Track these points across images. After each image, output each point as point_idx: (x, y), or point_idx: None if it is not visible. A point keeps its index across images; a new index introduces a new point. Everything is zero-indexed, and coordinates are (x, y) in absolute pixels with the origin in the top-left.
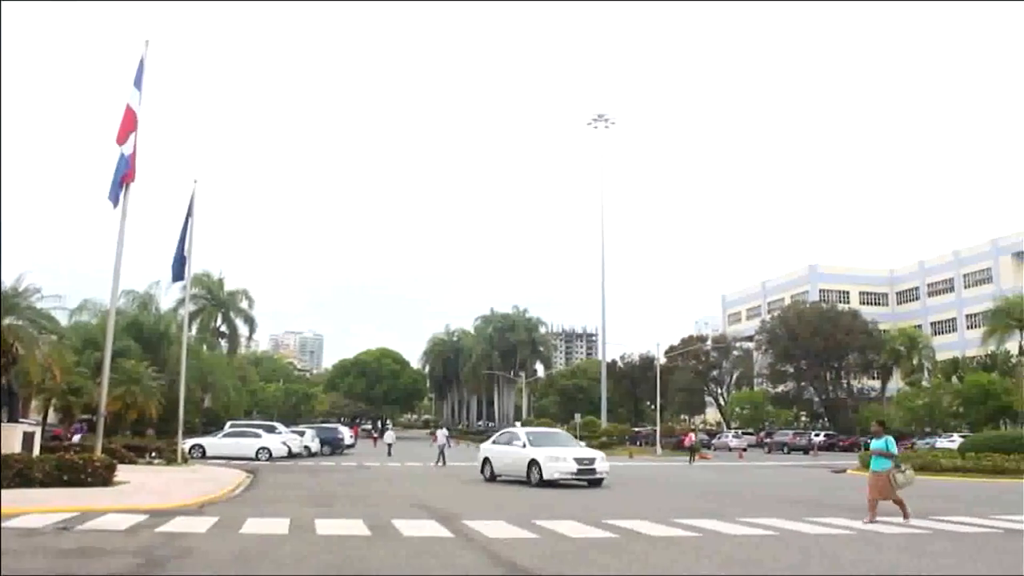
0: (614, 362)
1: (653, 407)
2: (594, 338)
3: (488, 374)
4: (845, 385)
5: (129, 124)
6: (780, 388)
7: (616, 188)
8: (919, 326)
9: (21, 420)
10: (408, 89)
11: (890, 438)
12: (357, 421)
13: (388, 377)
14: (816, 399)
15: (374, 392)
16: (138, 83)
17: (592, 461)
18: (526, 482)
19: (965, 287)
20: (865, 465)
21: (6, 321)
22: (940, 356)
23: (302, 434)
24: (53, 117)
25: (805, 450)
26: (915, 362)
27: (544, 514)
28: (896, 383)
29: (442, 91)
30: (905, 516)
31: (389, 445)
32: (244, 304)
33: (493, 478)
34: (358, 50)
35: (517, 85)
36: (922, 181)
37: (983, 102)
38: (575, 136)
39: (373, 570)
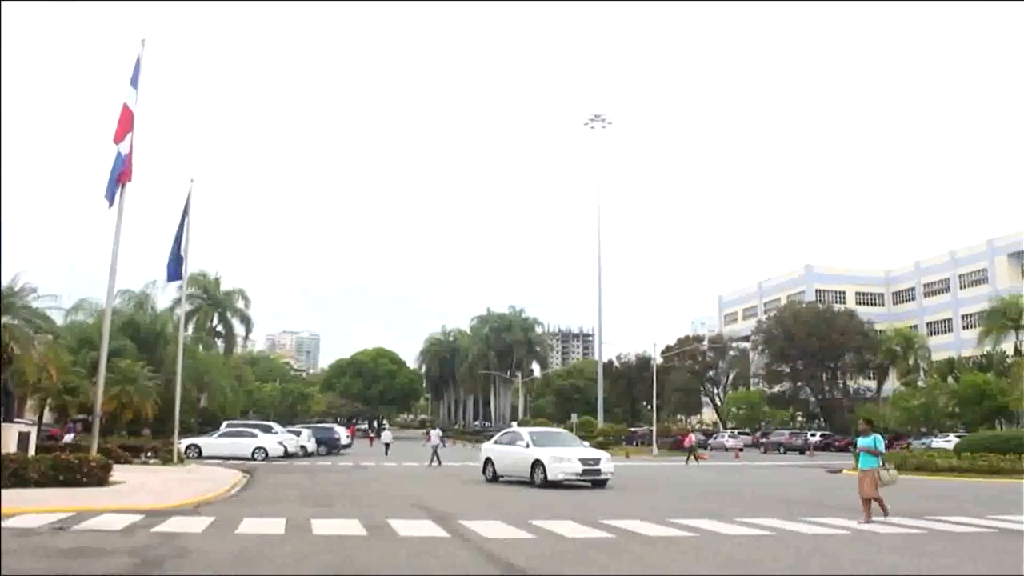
0: (610, 362)
1: (649, 407)
2: (590, 338)
3: (484, 374)
4: (841, 385)
5: (126, 123)
6: (776, 388)
7: (613, 188)
8: (915, 326)
9: (17, 420)
10: (405, 89)
11: (878, 436)
12: (353, 421)
13: (384, 377)
14: (812, 399)
15: (370, 392)
16: (135, 82)
17: (597, 462)
18: (529, 483)
19: (961, 287)
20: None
21: (4, 320)
22: (936, 356)
23: (298, 434)
24: (51, 116)
25: (801, 450)
26: (911, 362)
27: (541, 514)
28: (892, 383)
29: (439, 91)
30: (883, 512)
31: (386, 445)
32: (240, 304)
33: (495, 479)
34: (356, 49)
35: (514, 85)
36: (918, 182)
37: (979, 103)
38: (572, 136)
39: (369, 570)
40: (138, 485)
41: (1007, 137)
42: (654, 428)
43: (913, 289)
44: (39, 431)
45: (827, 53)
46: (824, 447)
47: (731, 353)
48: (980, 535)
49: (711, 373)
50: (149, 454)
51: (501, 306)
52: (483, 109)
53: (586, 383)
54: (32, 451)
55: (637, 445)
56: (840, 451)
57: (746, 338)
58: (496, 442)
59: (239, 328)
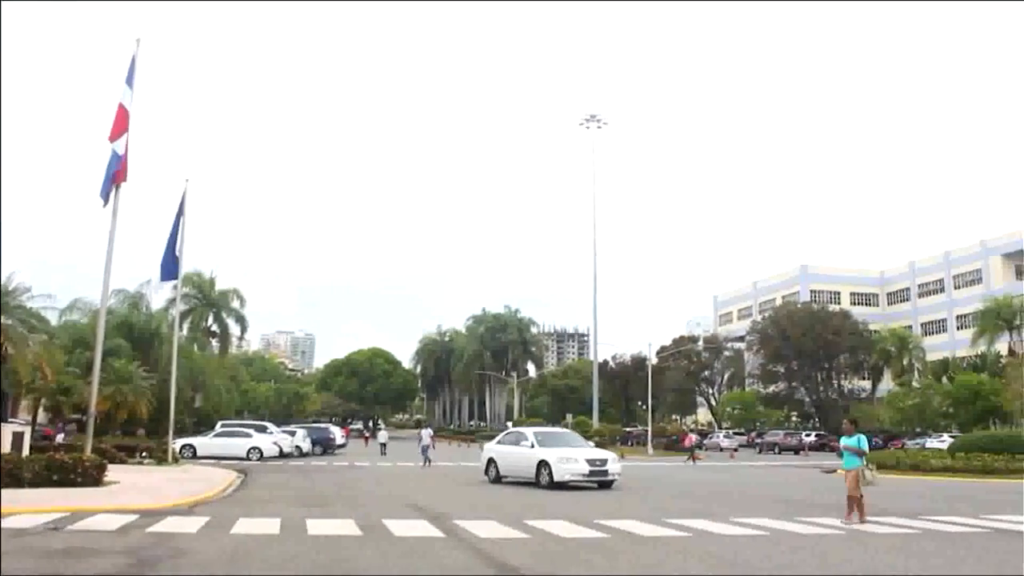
0: (606, 362)
1: (644, 407)
2: (586, 338)
3: (480, 374)
4: (836, 385)
5: (122, 122)
6: (771, 388)
7: (608, 188)
8: (909, 327)
9: (10, 420)
10: (401, 88)
11: (861, 436)
12: (348, 421)
13: (380, 377)
14: (807, 399)
15: (366, 392)
16: (130, 81)
17: (604, 462)
18: (534, 484)
19: (955, 288)
20: None
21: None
22: (930, 357)
23: (293, 434)
24: (49, 114)
25: (796, 450)
26: (905, 363)
27: (536, 514)
28: (886, 383)
29: (435, 90)
30: (859, 516)
31: (383, 445)
32: (235, 304)
33: (498, 479)
34: (351, 49)
35: (510, 85)
36: (913, 182)
37: (974, 104)
38: (567, 136)
39: (364, 570)
40: (132, 485)
41: (1001, 138)
42: (649, 428)
43: (907, 289)
44: (33, 431)
45: (823, 54)
46: (819, 447)
47: (726, 353)
48: (975, 535)
49: (706, 373)
50: (144, 454)
51: (496, 306)
52: (479, 109)
53: (581, 383)
54: (26, 451)
55: (632, 445)
56: (835, 451)
57: (741, 338)
58: (499, 442)
59: (234, 328)
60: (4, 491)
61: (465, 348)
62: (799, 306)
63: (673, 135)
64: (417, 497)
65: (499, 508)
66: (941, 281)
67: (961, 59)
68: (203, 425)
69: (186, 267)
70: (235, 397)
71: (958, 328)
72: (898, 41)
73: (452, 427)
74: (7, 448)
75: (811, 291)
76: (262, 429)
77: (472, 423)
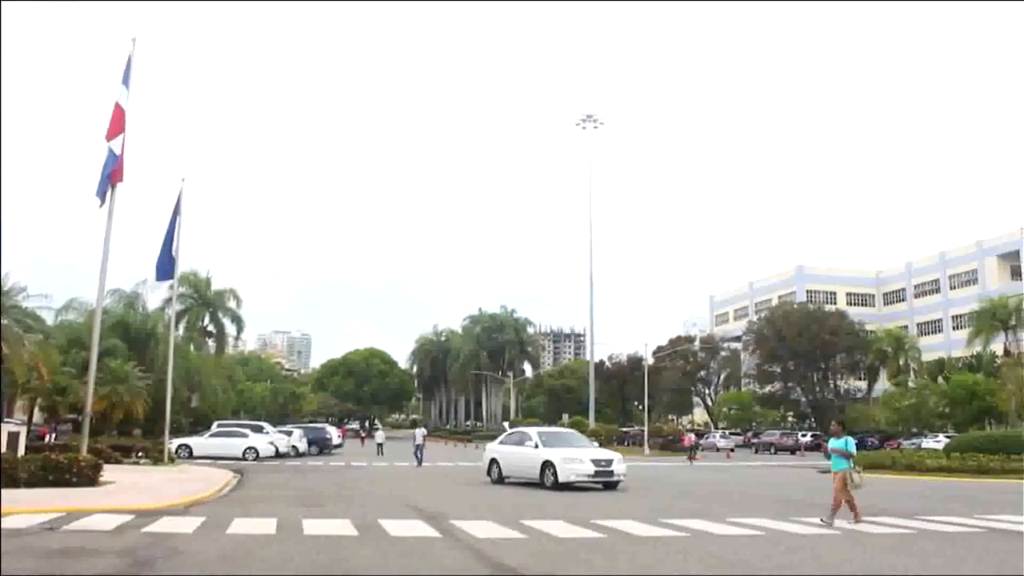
0: (602, 362)
1: (641, 407)
2: (582, 338)
3: (476, 374)
4: (832, 386)
5: (118, 121)
6: (767, 388)
7: (605, 189)
8: (905, 327)
9: (6, 420)
10: (398, 88)
11: (849, 438)
12: (344, 421)
13: (376, 377)
14: (803, 400)
15: (362, 392)
16: (126, 80)
17: (609, 463)
18: (538, 484)
19: (951, 288)
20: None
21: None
22: (926, 357)
23: (289, 434)
24: (49, 114)
25: (792, 450)
26: (901, 363)
27: (532, 514)
28: (883, 384)
29: (432, 90)
30: (854, 516)
31: (380, 445)
32: (232, 303)
33: (501, 480)
34: (348, 49)
35: (507, 85)
36: (909, 183)
37: (970, 104)
38: (564, 136)
39: (360, 570)
40: (128, 485)
41: (997, 139)
42: (646, 428)
43: (903, 290)
44: (29, 431)
45: (819, 54)
46: (815, 447)
47: (722, 353)
48: (972, 535)
49: (702, 373)
50: (139, 454)
51: (493, 306)
52: (476, 109)
53: (578, 383)
54: (22, 451)
55: (629, 445)
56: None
57: (737, 338)
58: (502, 442)
59: (230, 328)
60: (0, 491)
61: (461, 348)
62: (795, 306)
63: (670, 135)
64: (414, 497)
65: (496, 508)
66: (937, 281)
67: (957, 60)
68: (199, 425)
69: (182, 267)
70: (231, 397)
71: (954, 328)
72: (894, 41)
73: (448, 427)
74: (3, 448)
75: (807, 291)
76: (258, 429)
77: (468, 423)
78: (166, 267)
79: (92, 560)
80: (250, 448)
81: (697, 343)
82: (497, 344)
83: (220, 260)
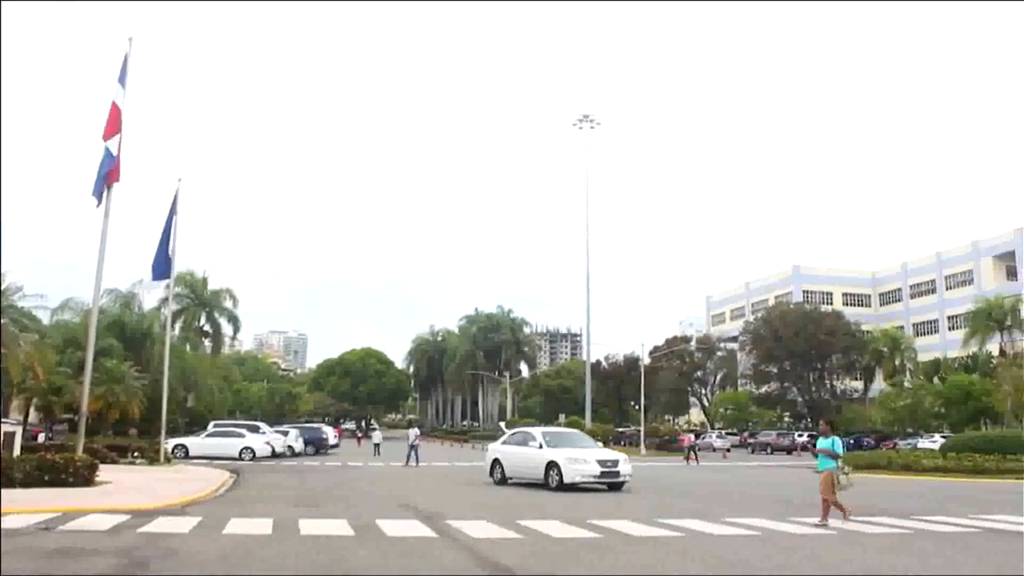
0: (598, 362)
1: (637, 407)
2: (578, 338)
3: (472, 374)
4: (828, 386)
5: (115, 120)
6: (764, 389)
7: (601, 189)
8: (901, 327)
9: (1, 420)
10: (394, 88)
11: (836, 438)
12: (340, 421)
13: (372, 377)
14: (799, 400)
15: (358, 392)
16: (122, 80)
17: (615, 463)
18: (543, 485)
19: (947, 288)
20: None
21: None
22: (922, 357)
23: (286, 434)
24: (50, 114)
25: (788, 450)
26: (897, 363)
27: (529, 514)
28: (879, 384)
29: (428, 90)
30: (843, 515)
31: (376, 445)
32: (228, 303)
33: (504, 480)
34: (344, 49)
35: (504, 85)
36: (905, 183)
37: (966, 105)
38: (561, 137)
39: (356, 570)
40: (124, 485)
41: (993, 139)
42: (642, 428)
43: (899, 290)
44: (24, 431)
45: (815, 54)
46: (811, 447)
47: (719, 353)
48: (967, 535)
49: (699, 373)
50: (136, 454)
51: (489, 306)
52: (473, 109)
53: (574, 383)
54: (17, 451)
55: (625, 445)
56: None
57: (734, 338)
58: (505, 442)
59: (227, 328)
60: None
61: (458, 348)
62: (792, 306)
63: (666, 136)
64: (410, 497)
65: (491, 508)
66: (933, 282)
67: (953, 61)
68: (195, 425)
69: (179, 267)
70: (227, 397)
71: (950, 329)
72: (890, 42)
73: (445, 427)
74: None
75: (804, 291)
76: (255, 429)
77: (465, 423)
78: (162, 267)
79: (88, 560)
80: (246, 448)
81: (693, 343)
82: (493, 344)
83: (216, 260)
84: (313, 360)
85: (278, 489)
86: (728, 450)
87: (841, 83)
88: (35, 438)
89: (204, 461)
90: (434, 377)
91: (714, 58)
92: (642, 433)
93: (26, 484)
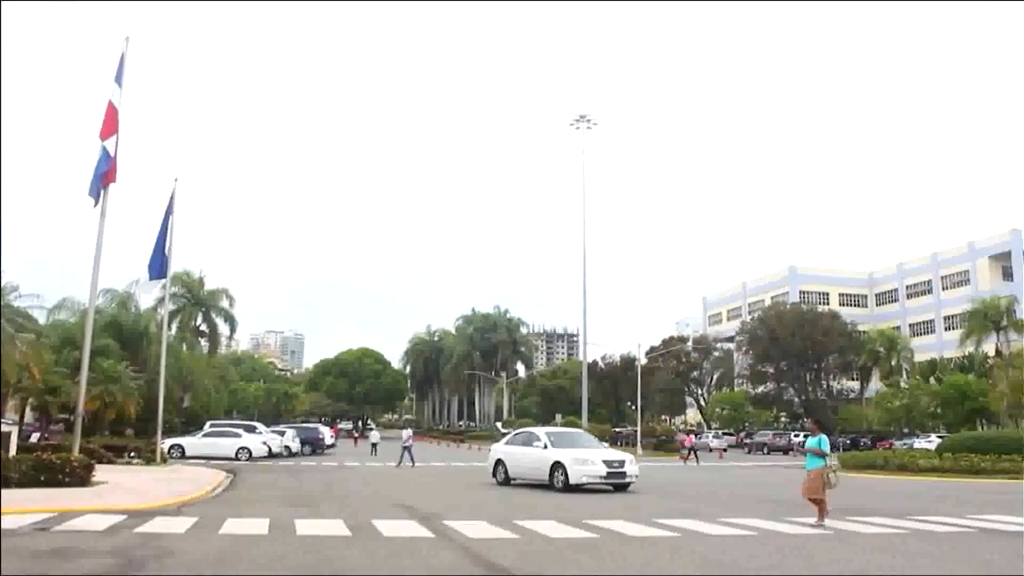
0: (595, 362)
1: (634, 407)
2: (575, 338)
3: (469, 374)
4: (824, 386)
5: (111, 120)
6: (760, 389)
7: (598, 189)
8: (898, 327)
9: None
10: (391, 89)
11: (823, 437)
12: (336, 421)
13: (369, 377)
14: (796, 400)
15: (355, 392)
16: (119, 79)
17: (622, 464)
18: (547, 486)
19: (943, 289)
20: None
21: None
22: (918, 357)
23: (282, 434)
24: (40, 111)
25: (785, 451)
26: (894, 363)
27: (524, 514)
28: (875, 384)
29: (425, 90)
30: (821, 518)
31: (374, 445)
32: (225, 303)
33: (507, 481)
34: (342, 49)
35: (501, 85)
36: (901, 184)
37: (963, 106)
38: (557, 137)
39: (352, 570)
40: (120, 485)
41: (990, 140)
42: (638, 428)
43: (896, 290)
44: (20, 431)
45: (812, 55)
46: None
47: (715, 354)
48: (962, 535)
49: (695, 374)
50: (132, 454)
51: (486, 306)
52: (470, 109)
53: (570, 383)
54: (13, 451)
55: (622, 445)
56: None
57: (730, 339)
58: (508, 443)
59: (223, 327)
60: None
61: (455, 348)
62: (788, 307)
63: (663, 136)
64: (407, 497)
65: (487, 508)
66: (929, 282)
67: (950, 61)
68: (192, 425)
69: (175, 266)
70: (224, 397)
71: (946, 329)
72: (886, 42)
73: (441, 427)
74: None
75: (800, 292)
76: (251, 429)
77: (461, 423)
78: (159, 267)
79: (84, 560)
80: (243, 448)
81: (690, 343)
82: (490, 344)
83: (213, 260)
84: (310, 360)
85: (274, 489)
86: (724, 450)
87: (838, 83)
88: (28, 438)
89: (200, 461)
90: (431, 377)
91: (711, 59)
92: (638, 433)
93: (22, 484)
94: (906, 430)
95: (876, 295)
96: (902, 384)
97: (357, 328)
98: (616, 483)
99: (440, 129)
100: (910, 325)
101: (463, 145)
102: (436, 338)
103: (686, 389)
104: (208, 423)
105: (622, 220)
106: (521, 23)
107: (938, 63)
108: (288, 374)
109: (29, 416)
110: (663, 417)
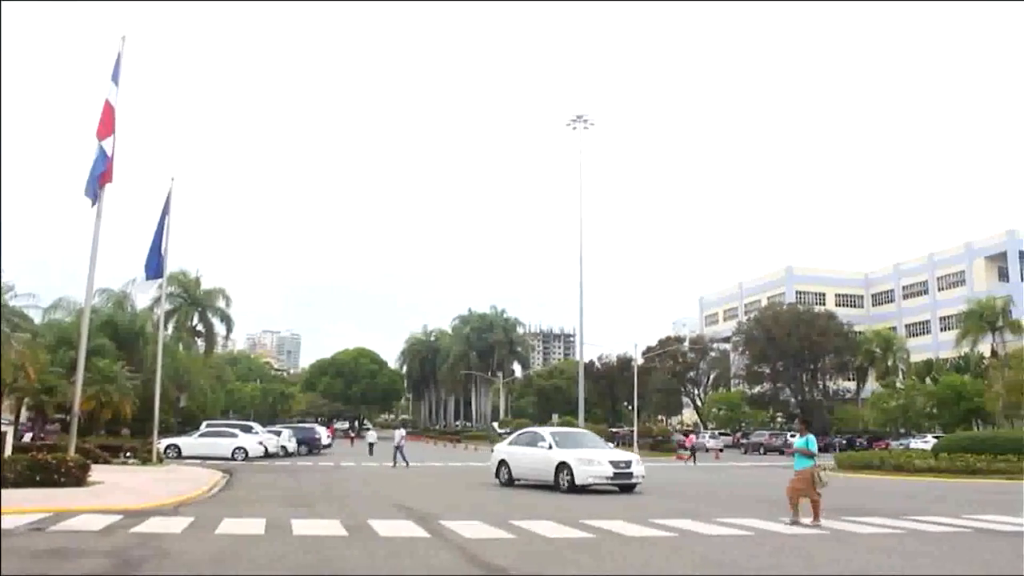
0: (592, 362)
1: (630, 407)
2: (572, 338)
3: (466, 374)
4: (821, 386)
5: (108, 119)
6: (756, 389)
7: (595, 189)
8: (894, 328)
9: None
10: (388, 89)
11: (811, 437)
12: (332, 421)
13: (365, 377)
14: (792, 400)
15: (351, 392)
16: (115, 78)
17: (628, 464)
18: (553, 487)
19: (939, 289)
20: (842, 466)
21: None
22: (914, 358)
23: (279, 434)
24: (38, 111)
25: (781, 451)
26: (890, 364)
27: (521, 515)
28: (871, 384)
29: (423, 90)
30: (793, 515)
31: (371, 445)
32: (221, 303)
33: (511, 482)
34: (340, 50)
35: (498, 86)
36: (898, 184)
37: (960, 107)
38: (554, 137)
39: (349, 570)
40: (117, 485)
41: (986, 141)
42: (635, 428)
43: (892, 291)
44: (16, 431)
45: (809, 56)
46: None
47: (712, 354)
48: (960, 535)
49: (692, 374)
50: (128, 454)
51: (483, 306)
52: (467, 110)
53: (567, 383)
54: (8, 451)
55: (618, 445)
56: (819, 452)
57: (727, 339)
58: (512, 443)
59: (219, 327)
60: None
61: (451, 348)
62: (784, 307)
63: (660, 136)
64: (404, 498)
65: (484, 508)
66: (925, 283)
67: (947, 62)
68: (188, 425)
69: (172, 266)
70: (220, 397)
71: (942, 330)
72: (883, 43)
73: (438, 427)
74: None
75: (796, 292)
76: (247, 429)
77: (458, 423)
78: (155, 266)
79: (80, 560)
80: (239, 448)
81: (686, 343)
82: (487, 344)
83: (210, 260)
84: (306, 360)
85: (271, 489)
86: (721, 450)
87: (835, 84)
88: (21, 438)
89: (197, 461)
90: (427, 377)
91: (708, 59)
92: (635, 433)
93: (18, 484)
94: (902, 430)
95: (872, 295)
96: (898, 384)
97: (357, 328)
98: (623, 484)
99: (438, 129)
100: (906, 325)
101: (461, 145)
102: (432, 338)
103: (682, 389)
104: (204, 423)
105: (619, 220)
106: (518, 24)
107: (934, 64)
108: (284, 374)
109: (24, 416)
110: (659, 417)
